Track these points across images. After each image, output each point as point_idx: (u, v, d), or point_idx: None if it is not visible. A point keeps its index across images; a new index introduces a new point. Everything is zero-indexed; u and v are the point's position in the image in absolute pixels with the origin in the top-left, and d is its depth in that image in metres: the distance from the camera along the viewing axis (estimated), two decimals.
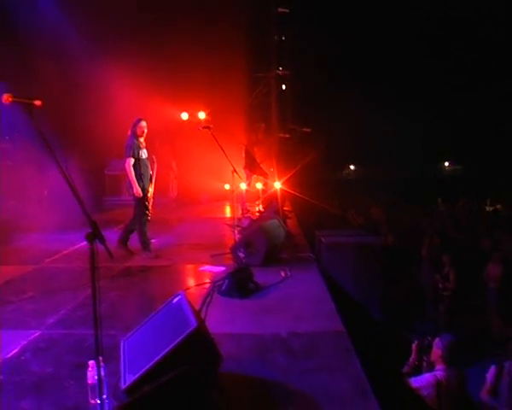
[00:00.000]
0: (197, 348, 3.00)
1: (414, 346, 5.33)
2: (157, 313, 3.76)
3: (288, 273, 6.44)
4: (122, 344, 3.67)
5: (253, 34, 14.91)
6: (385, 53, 25.66)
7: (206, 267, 6.96)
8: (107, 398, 3.00)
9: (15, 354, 4.22)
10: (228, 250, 7.45)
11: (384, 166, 32.17)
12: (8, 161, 9.98)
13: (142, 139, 7.48)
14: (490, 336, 8.15)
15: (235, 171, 7.88)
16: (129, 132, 7.45)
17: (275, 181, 10.50)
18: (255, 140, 11.45)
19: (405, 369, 5.26)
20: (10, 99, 2.87)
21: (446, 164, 39.43)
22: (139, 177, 7.37)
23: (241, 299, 5.52)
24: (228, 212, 12.13)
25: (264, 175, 11.41)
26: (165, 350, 3.04)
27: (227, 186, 10.51)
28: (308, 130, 16.26)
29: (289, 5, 15.64)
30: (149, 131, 7.60)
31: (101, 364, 3.03)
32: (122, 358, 3.49)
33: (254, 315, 5.07)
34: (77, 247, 8.12)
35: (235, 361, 3.96)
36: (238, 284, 5.60)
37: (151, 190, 7.65)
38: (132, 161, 7.32)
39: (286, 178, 10.95)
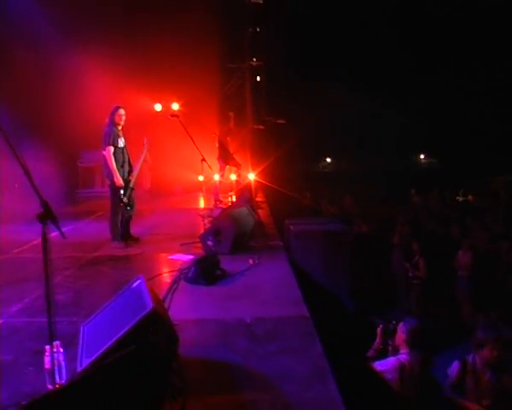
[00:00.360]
0: (153, 329, 2.99)
1: (379, 330, 5.30)
2: (117, 297, 3.74)
3: (257, 261, 6.44)
4: (82, 329, 3.65)
5: (227, 25, 14.88)
6: (360, 46, 25.75)
7: (176, 256, 6.94)
8: (65, 382, 2.98)
9: None
10: (198, 239, 7.44)
11: (361, 159, 32.35)
12: None
13: (119, 127, 7.41)
14: (460, 324, 8.23)
15: (204, 160, 7.87)
16: (107, 120, 7.36)
17: (249, 172, 10.53)
18: (227, 130, 11.42)
19: (370, 353, 5.24)
20: None
21: (422, 157, 39.83)
22: (120, 165, 7.30)
23: (207, 286, 5.51)
24: (201, 203, 12.12)
25: (238, 166, 11.40)
26: (121, 332, 3.02)
27: (201, 178, 10.49)
28: (282, 121, 16.30)
29: None
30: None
31: (60, 349, 3.02)
32: (80, 342, 3.47)
33: (220, 301, 5.07)
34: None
35: (198, 347, 3.96)
36: (204, 272, 5.59)
37: (133, 180, 7.58)
38: (112, 149, 7.23)
39: (260, 169, 11.00)
